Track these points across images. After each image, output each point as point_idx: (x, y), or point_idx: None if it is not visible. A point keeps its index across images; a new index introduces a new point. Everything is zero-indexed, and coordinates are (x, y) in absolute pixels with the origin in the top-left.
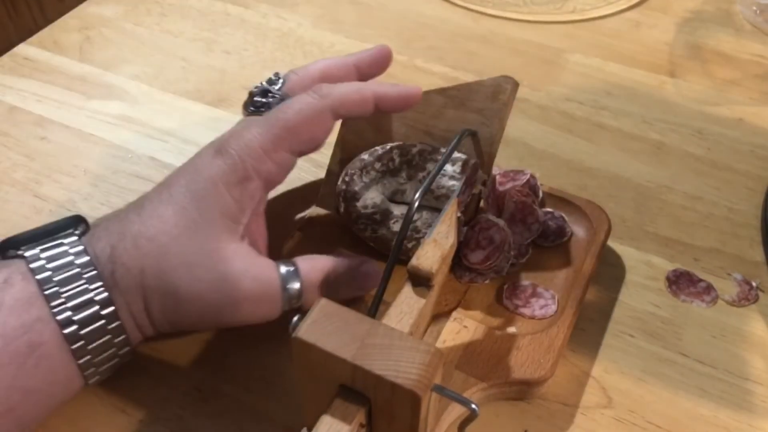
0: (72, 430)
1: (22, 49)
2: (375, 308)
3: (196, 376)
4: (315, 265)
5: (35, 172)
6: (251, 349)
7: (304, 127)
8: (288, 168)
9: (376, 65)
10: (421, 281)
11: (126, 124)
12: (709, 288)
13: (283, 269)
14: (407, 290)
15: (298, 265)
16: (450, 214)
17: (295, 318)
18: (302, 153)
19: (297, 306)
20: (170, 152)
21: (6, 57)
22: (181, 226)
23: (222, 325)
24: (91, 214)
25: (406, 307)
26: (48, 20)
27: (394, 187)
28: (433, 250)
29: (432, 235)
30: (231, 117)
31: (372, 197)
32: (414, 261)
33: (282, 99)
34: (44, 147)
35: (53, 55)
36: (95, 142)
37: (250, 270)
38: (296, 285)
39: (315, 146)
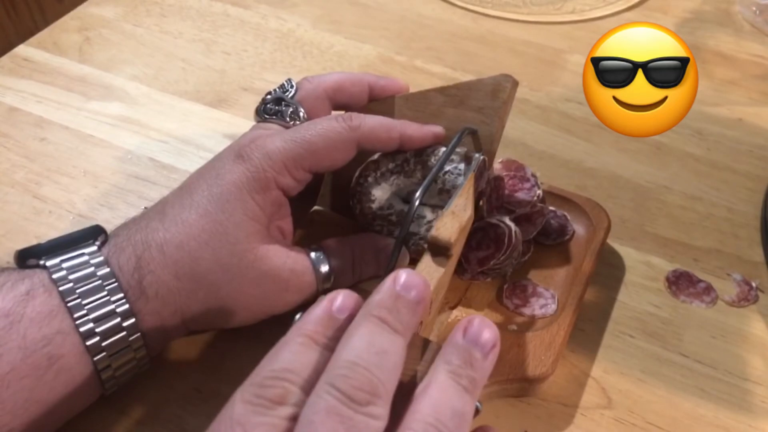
0: (72, 430)
1: (22, 50)
2: None
3: (196, 377)
4: (340, 247)
5: (35, 173)
6: (251, 350)
7: (326, 152)
8: (305, 183)
9: (389, 93)
10: (440, 251)
11: (125, 125)
12: (708, 288)
13: (313, 255)
14: (427, 260)
15: (325, 249)
16: (467, 188)
17: (297, 316)
18: (319, 173)
19: (329, 287)
20: (169, 153)
21: (6, 58)
22: (209, 231)
23: (266, 316)
24: (90, 215)
25: (425, 275)
26: (48, 21)
27: (409, 188)
28: (452, 221)
29: (450, 206)
30: (230, 118)
31: (387, 198)
32: (433, 231)
33: (295, 107)
34: (44, 148)
35: (53, 56)
36: (95, 143)
37: (287, 263)
38: (325, 268)
39: (333, 169)
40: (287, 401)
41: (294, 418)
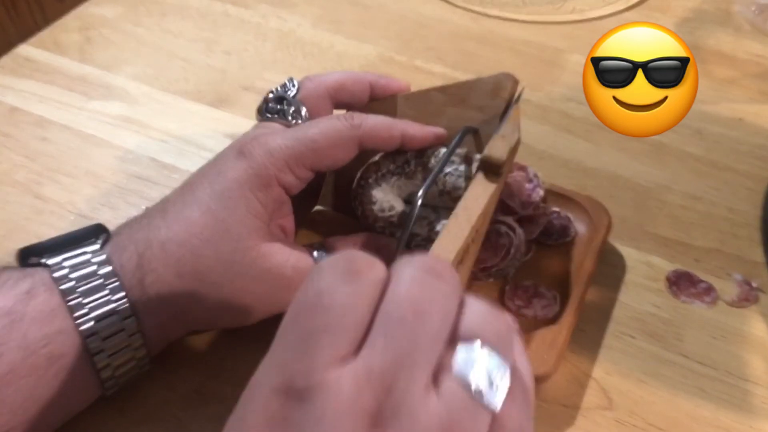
0: (71, 430)
1: (23, 49)
2: None
3: (196, 379)
4: (342, 246)
5: (36, 173)
6: (252, 351)
7: (328, 151)
8: (306, 182)
9: (390, 92)
10: (492, 169)
11: (126, 124)
12: (709, 289)
13: (316, 254)
14: (480, 177)
15: (328, 247)
16: (515, 116)
17: None
18: (320, 171)
19: None
20: (170, 153)
21: (6, 57)
22: (211, 228)
23: (268, 315)
24: (91, 215)
25: (480, 189)
26: (48, 21)
27: (410, 190)
28: (502, 143)
29: (500, 131)
30: (231, 118)
31: (389, 200)
32: (486, 152)
33: (297, 106)
34: (45, 148)
35: (54, 56)
36: (96, 142)
37: (290, 260)
38: None
39: (334, 168)
40: (373, 272)
41: (380, 287)
